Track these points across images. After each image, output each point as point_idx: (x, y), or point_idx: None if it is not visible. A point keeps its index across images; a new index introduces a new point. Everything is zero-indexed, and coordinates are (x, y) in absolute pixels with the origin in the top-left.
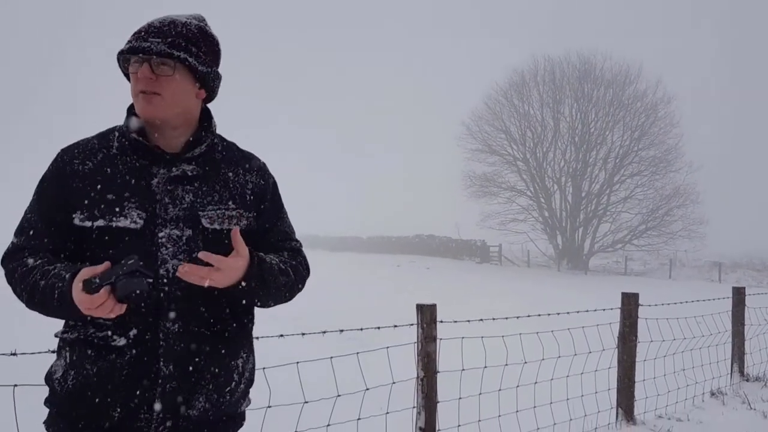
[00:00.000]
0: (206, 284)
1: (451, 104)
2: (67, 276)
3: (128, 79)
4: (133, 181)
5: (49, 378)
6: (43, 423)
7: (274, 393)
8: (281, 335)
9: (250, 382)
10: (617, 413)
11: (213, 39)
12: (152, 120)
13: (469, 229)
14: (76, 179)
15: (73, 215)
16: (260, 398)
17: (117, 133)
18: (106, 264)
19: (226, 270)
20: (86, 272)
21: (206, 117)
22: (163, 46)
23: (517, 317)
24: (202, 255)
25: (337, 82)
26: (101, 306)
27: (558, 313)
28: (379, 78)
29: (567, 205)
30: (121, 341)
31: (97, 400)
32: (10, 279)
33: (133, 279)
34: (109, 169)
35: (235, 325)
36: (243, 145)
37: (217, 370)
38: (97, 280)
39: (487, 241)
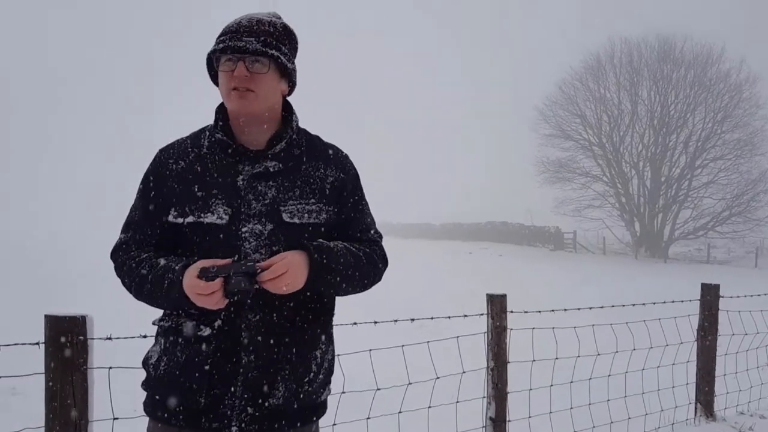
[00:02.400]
0: (285, 291)
1: (524, 90)
2: (177, 267)
3: (212, 79)
4: (220, 178)
5: (145, 362)
6: (143, 404)
7: (348, 380)
8: (354, 323)
9: (330, 372)
10: (696, 408)
11: (294, 36)
12: (245, 116)
13: (542, 215)
14: (171, 178)
15: (169, 212)
16: (335, 384)
17: (207, 133)
18: (228, 260)
19: (290, 269)
20: (205, 262)
21: (288, 111)
22: (258, 45)
23: (590, 308)
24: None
25: (407, 68)
26: (210, 295)
27: (633, 305)
28: (450, 64)
29: (645, 190)
30: (206, 331)
31: (185, 386)
32: (119, 272)
33: (246, 279)
34: (199, 168)
35: (312, 317)
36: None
37: (296, 361)
38: (214, 270)
39: (561, 227)
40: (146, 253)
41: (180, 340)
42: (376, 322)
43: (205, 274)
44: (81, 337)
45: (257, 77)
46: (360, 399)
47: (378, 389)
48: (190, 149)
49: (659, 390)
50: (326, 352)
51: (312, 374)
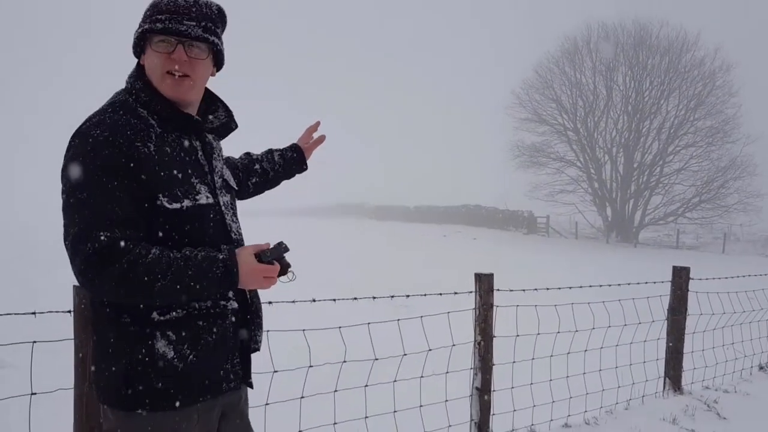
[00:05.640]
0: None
1: (500, 73)
2: (223, 256)
3: (135, 53)
4: (187, 157)
5: (153, 362)
6: (145, 402)
7: (349, 350)
8: (354, 298)
9: None
10: (665, 383)
11: (226, 17)
12: (179, 101)
13: (516, 199)
14: (148, 162)
15: (158, 199)
16: (337, 355)
17: (144, 110)
18: (267, 243)
19: None
20: (254, 248)
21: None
22: (200, 31)
23: (570, 287)
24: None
25: (390, 42)
26: (273, 276)
27: (610, 285)
28: (428, 41)
29: (618, 176)
30: (234, 304)
31: (216, 362)
32: (125, 275)
33: (287, 259)
34: (167, 149)
35: None
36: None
37: (261, 309)
38: (269, 254)
39: (535, 212)
40: (154, 248)
41: (201, 323)
42: (374, 297)
43: (266, 258)
44: None
45: (195, 63)
46: (359, 368)
47: (376, 359)
48: (145, 128)
49: (631, 365)
50: None
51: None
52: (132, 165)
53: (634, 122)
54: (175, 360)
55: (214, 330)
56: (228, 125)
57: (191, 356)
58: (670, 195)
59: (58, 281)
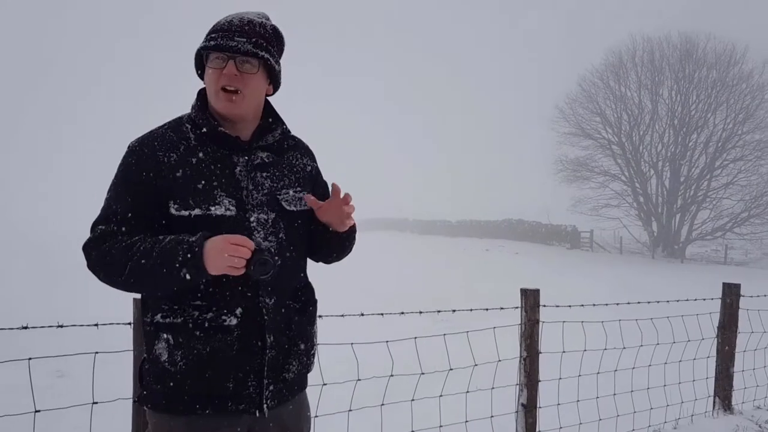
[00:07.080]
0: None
1: (543, 87)
2: (192, 239)
3: (198, 74)
4: (218, 170)
5: (154, 361)
6: (150, 401)
7: (396, 365)
8: (402, 312)
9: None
10: (714, 402)
11: (282, 38)
12: (232, 117)
13: (559, 214)
14: (165, 171)
15: (169, 206)
16: (383, 369)
17: (189, 125)
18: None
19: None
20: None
21: (268, 107)
22: (249, 46)
23: (617, 304)
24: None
25: (427, 59)
26: (242, 251)
27: (658, 302)
28: (470, 56)
29: (664, 190)
30: (233, 320)
31: (211, 376)
32: (104, 256)
33: (269, 263)
34: (193, 160)
35: (309, 296)
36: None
37: (305, 337)
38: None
39: (578, 226)
40: (137, 237)
41: (198, 333)
42: (421, 312)
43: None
44: None
45: (246, 77)
46: (405, 382)
47: (422, 373)
48: (176, 140)
49: (680, 383)
50: (316, 327)
51: (313, 347)
52: (148, 173)
53: (681, 136)
54: (167, 364)
55: (211, 343)
56: (282, 144)
57: (181, 363)
58: (717, 209)
59: (117, 292)
